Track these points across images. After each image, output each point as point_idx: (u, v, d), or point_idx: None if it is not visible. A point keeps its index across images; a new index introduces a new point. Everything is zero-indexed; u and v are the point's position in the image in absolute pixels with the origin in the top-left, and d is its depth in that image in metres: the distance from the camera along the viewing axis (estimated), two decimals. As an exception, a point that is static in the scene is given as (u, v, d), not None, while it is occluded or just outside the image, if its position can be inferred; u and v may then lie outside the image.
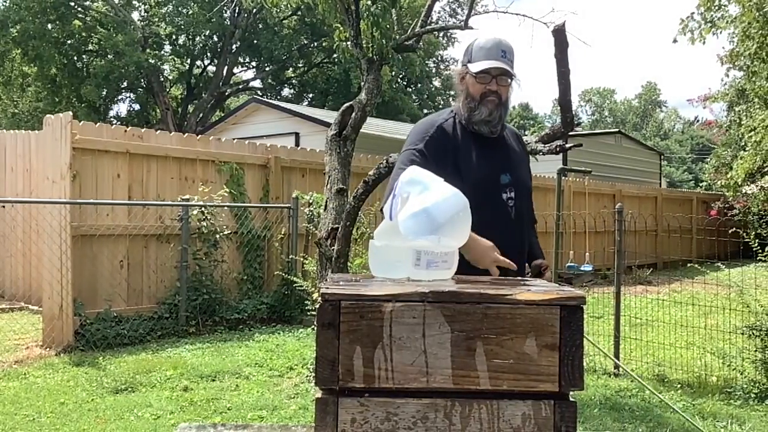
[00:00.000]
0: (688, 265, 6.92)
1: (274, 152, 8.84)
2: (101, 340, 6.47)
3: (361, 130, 5.87)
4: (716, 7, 11.98)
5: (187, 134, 8.58)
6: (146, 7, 26.41)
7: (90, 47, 24.79)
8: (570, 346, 1.45)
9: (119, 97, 29.10)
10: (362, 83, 5.90)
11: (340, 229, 5.11)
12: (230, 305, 7.70)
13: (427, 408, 1.44)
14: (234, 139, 9.47)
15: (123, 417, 4.51)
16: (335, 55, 21.59)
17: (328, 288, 1.51)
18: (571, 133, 4.82)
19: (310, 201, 8.29)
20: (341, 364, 1.43)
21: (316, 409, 1.44)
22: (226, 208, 7.93)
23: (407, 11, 18.99)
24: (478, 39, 2.52)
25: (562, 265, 7.82)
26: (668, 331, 6.86)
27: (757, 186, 14.86)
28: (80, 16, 24.15)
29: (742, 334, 5.37)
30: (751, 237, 5.71)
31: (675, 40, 12.61)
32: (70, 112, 6.94)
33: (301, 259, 7.21)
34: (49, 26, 22.97)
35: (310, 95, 31.38)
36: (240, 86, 30.12)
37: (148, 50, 23.79)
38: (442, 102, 34.62)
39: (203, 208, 7.52)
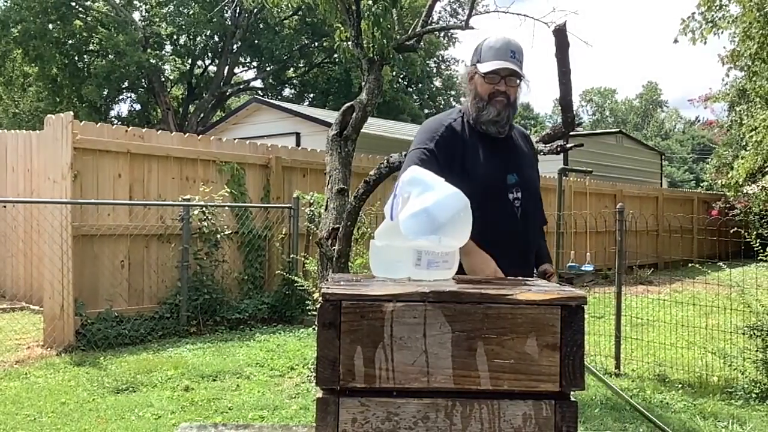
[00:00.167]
0: (689, 265, 6.91)
1: (275, 152, 8.85)
2: (102, 339, 6.47)
3: (362, 130, 5.87)
4: (717, 7, 11.97)
5: (188, 134, 8.59)
6: (147, 7, 26.43)
7: (91, 47, 24.80)
8: (571, 346, 1.45)
9: (120, 97, 29.13)
10: (363, 83, 5.90)
11: (341, 229, 5.11)
12: (231, 305, 7.70)
13: (427, 408, 1.44)
14: (235, 139, 9.48)
15: (124, 417, 4.52)
16: (336, 55, 21.61)
17: (329, 288, 1.51)
18: (572, 133, 4.82)
19: (311, 201, 8.30)
20: (342, 364, 1.43)
21: (317, 409, 1.44)
22: (227, 208, 7.93)
23: (408, 11, 18.98)
24: (488, 39, 2.51)
25: (563, 265, 7.83)
26: (669, 331, 6.86)
27: (758, 186, 14.86)
28: (81, 16, 24.17)
29: (743, 334, 5.37)
30: (752, 237, 5.70)
31: (676, 40, 12.60)
32: (71, 112, 6.94)
33: (302, 259, 7.22)
34: (50, 26, 22.98)
35: (311, 95, 31.38)
36: (241, 86, 30.13)
37: (149, 50, 23.80)
38: (442, 102, 34.62)
39: (204, 208, 7.52)
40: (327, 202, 5.49)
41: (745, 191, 15.32)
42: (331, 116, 11.46)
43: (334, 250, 5.15)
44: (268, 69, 29.49)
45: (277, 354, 6.37)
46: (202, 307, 7.36)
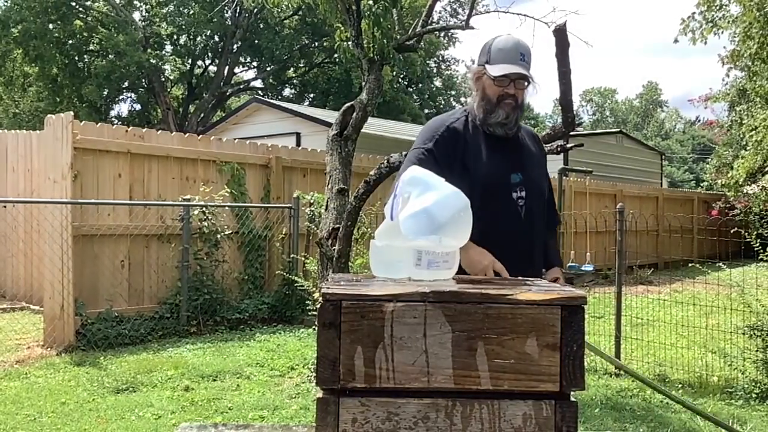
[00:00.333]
0: (689, 265, 6.91)
1: (275, 152, 8.85)
2: (102, 339, 6.47)
3: (362, 130, 5.88)
4: (717, 7, 11.98)
5: (188, 134, 8.59)
6: (147, 7, 26.43)
7: (91, 47, 24.80)
8: (571, 346, 1.45)
9: (120, 97, 29.13)
10: (363, 83, 5.90)
11: (341, 229, 5.11)
12: (231, 305, 7.70)
13: (428, 408, 1.44)
14: (235, 139, 9.48)
15: (124, 417, 4.52)
16: (336, 55, 21.60)
17: (329, 288, 1.51)
18: (572, 133, 4.83)
19: (311, 201, 8.30)
20: (342, 364, 1.43)
21: (317, 409, 1.44)
22: (227, 208, 7.93)
23: (408, 11, 18.97)
24: (497, 39, 2.50)
25: (563, 265, 7.82)
26: (669, 331, 6.86)
27: (758, 185, 14.86)
28: (81, 16, 24.17)
29: (743, 334, 5.37)
30: (753, 237, 5.70)
31: (676, 40, 12.62)
32: (72, 112, 6.95)
33: (302, 258, 7.22)
34: (51, 26, 22.98)
35: (311, 95, 31.38)
36: (241, 86, 30.14)
37: (149, 50, 23.81)
38: (443, 102, 34.61)
39: (204, 208, 7.52)
40: (327, 202, 5.49)
41: (745, 191, 15.32)
42: (332, 116, 11.46)
43: (334, 250, 5.15)
44: (268, 69, 29.49)
45: (277, 354, 6.37)
46: (202, 307, 7.36)
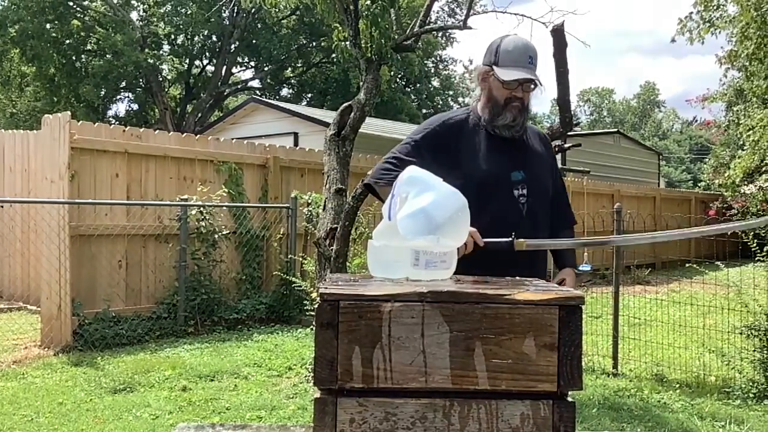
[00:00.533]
0: (687, 265, 6.92)
1: (273, 152, 8.85)
2: (100, 340, 6.47)
3: (360, 130, 5.87)
4: (714, 7, 12.00)
5: (185, 134, 8.58)
6: (145, 6, 26.39)
7: (88, 47, 24.76)
8: (569, 346, 1.45)
9: (118, 97, 29.09)
10: (361, 83, 5.90)
11: (338, 229, 5.11)
12: (229, 305, 7.70)
13: (425, 408, 1.44)
14: (233, 139, 9.47)
15: (121, 417, 4.51)
16: (334, 55, 21.58)
17: (326, 288, 1.51)
18: (569, 133, 4.84)
19: (309, 201, 8.29)
20: (340, 364, 1.43)
21: (315, 409, 1.43)
22: (224, 208, 7.93)
23: (406, 11, 18.97)
24: (506, 40, 2.49)
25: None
26: (667, 331, 6.87)
27: (755, 185, 14.89)
28: (79, 15, 24.14)
29: (741, 333, 5.37)
30: (750, 237, 5.71)
31: (673, 40, 12.65)
32: (69, 112, 6.94)
33: (300, 259, 7.22)
34: (48, 26, 22.95)
35: (309, 95, 31.37)
36: (239, 86, 30.11)
37: (146, 50, 23.78)
38: (440, 102, 34.61)
39: (202, 208, 7.51)
40: (325, 202, 5.49)
41: (742, 191, 15.35)
42: (329, 116, 11.45)
43: (332, 250, 5.15)
44: (265, 69, 29.48)
45: (274, 354, 6.36)
46: (199, 307, 7.35)
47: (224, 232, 7.75)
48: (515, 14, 5.96)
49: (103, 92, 25.61)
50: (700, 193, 21.33)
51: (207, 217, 7.55)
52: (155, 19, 25.80)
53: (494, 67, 2.47)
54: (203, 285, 7.46)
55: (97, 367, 5.75)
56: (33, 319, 7.38)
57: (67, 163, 6.47)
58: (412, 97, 32.29)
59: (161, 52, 26.50)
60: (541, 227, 2.54)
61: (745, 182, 14.96)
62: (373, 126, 14.52)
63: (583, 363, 1.49)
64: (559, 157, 15.16)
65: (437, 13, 29.22)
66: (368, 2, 5.54)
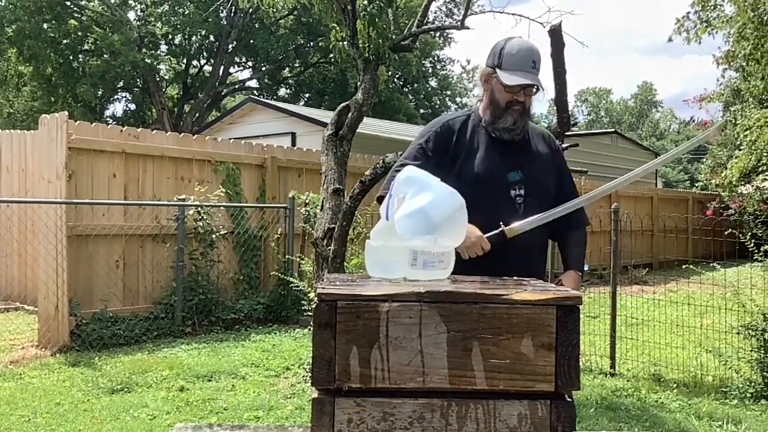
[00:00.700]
0: (684, 266, 6.92)
1: (271, 152, 8.84)
2: (97, 340, 6.46)
3: (358, 130, 5.88)
4: (711, 7, 12.01)
5: (183, 134, 8.57)
6: (142, 6, 26.35)
7: (86, 47, 24.71)
8: (566, 346, 1.46)
9: (115, 97, 29.04)
10: (359, 83, 5.90)
11: (336, 229, 5.11)
12: (226, 305, 7.69)
13: (423, 408, 1.44)
14: (230, 139, 9.46)
15: (119, 417, 4.51)
16: (332, 55, 21.57)
17: (324, 288, 1.51)
18: (567, 133, 4.83)
19: (307, 201, 8.29)
20: (338, 364, 1.43)
21: (313, 410, 1.43)
22: (222, 208, 7.92)
23: (404, 11, 19.00)
24: (510, 43, 2.50)
25: (558, 265, 7.83)
26: (664, 331, 6.88)
27: (752, 185, 14.91)
28: (76, 15, 24.10)
29: (738, 333, 5.38)
30: (747, 237, 5.71)
31: (670, 39, 12.64)
32: (66, 112, 6.93)
33: (298, 259, 7.21)
34: (45, 26, 22.90)
35: (307, 95, 31.35)
36: (236, 86, 30.08)
37: (144, 50, 23.74)
38: (438, 102, 34.62)
39: (199, 208, 7.51)
40: (322, 202, 5.49)
41: (739, 191, 15.37)
42: (327, 116, 11.44)
43: (329, 250, 5.15)
44: (263, 69, 29.45)
45: (272, 354, 6.36)
46: (197, 308, 7.35)
47: (222, 232, 7.74)
48: (513, 14, 5.98)
49: (100, 92, 25.56)
50: (697, 194, 21.35)
51: (204, 217, 7.55)
52: (153, 19, 25.75)
53: (497, 70, 2.48)
54: (201, 285, 7.46)
55: (94, 368, 5.74)
56: (30, 320, 7.37)
57: (64, 163, 6.46)
58: (410, 97, 32.29)
59: (159, 52, 26.45)
60: (541, 228, 2.54)
61: (742, 182, 14.98)
62: (370, 126, 14.52)
63: (580, 363, 1.49)
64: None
65: (435, 13, 29.20)
66: (366, 2, 5.55)
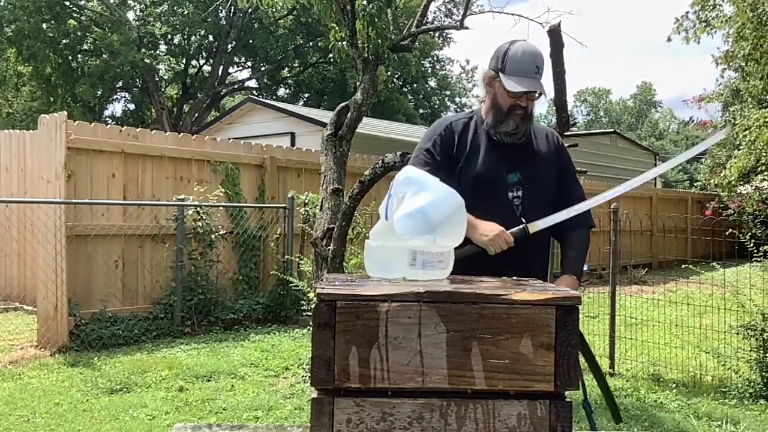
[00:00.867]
0: (683, 266, 6.93)
1: (270, 152, 8.84)
2: (96, 340, 6.46)
3: (357, 130, 5.88)
4: (711, 7, 12.01)
5: (182, 134, 8.57)
6: (141, 6, 26.34)
7: (85, 47, 24.71)
8: (565, 346, 1.46)
9: (114, 97, 29.03)
10: (358, 83, 5.90)
11: (335, 229, 5.11)
12: (226, 305, 7.69)
13: (422, 408, 1.44)
14: (229, 139, 9.46)
15: (118, 417, 4.50)
16: (331, 55, 21.58)
17: (323, 288, 1.51)
18: (566, 133, 4.83)
19: (306, 201, 8.28)
20: (337, 364, 1.43)
21: (312, 410, 1.43)
22: (221, 208, 7.92)
23: (403, 11, 18.99)
24: (513, 47, 2.50)
25: (557, 265, 7.84)
26: (663, 331, 6.88)
27: (751, 185, 14.92)
28: (75, 15, 24.08)
29: (737, 333, 5.39)
30: (746, 237, 5.72)
31: (669, 39, 12.64)
32: (65, 112, 6.93)
33: (297, 259, 7.21)
34: (44, 26, 22.88)
35: (306, 95, 31.34)
36: (235, 86, 30.07)
37: (143, 50, 23.73)
38: (437, 102, 34.63)
39: (198, 208, 7.51)
40: (322, 202, 5.49)
41: (738, 191, 15.38)
42: (326, 116, 11.45)
43: (329, 250, 5.14)
44: (262, 69, 29.44)
45: (271, 354, 6.36)
46: (196, 308, 7.35)
47: (221, 232, 7.74)
48: (512, 14, 5.98)
49: (99, 92, 25.54)
50: (696, 194, 21.36)
51: (204, 217, 7.55)
52: (152, 19, 25.74)
53: (501, 75, 2.49)
54: (200, 285, 7.46)
55: (93, 368, 5.74)
56: (29, 320, 7.36)
57: (63, 163, 6.46)
58: (409, 97, 32.29)
59: (158, 52, 26.44)
60: (536, 239, 2.54)
61: (741, 182, 14.99)
62: (370, 126, 14.53)
63: (579, 363, 1.49)
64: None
65: (434, 13, 29.20)
66: (365, 2, 5.55)
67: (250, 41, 27.47)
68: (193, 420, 4.47)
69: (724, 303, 6.03)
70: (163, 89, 28.18)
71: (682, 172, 53.45)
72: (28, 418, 4.46)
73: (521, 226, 2.45)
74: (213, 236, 7.63)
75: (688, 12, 12.25)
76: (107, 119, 28.03)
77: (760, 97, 13.30)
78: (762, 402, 4.95)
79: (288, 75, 31.26)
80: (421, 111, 31.47)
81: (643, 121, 67.67)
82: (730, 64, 13.42)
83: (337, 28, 5.93)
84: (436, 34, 30.46)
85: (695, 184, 35.59)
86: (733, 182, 14.48)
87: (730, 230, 6.45)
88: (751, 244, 5.65)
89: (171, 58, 27.78)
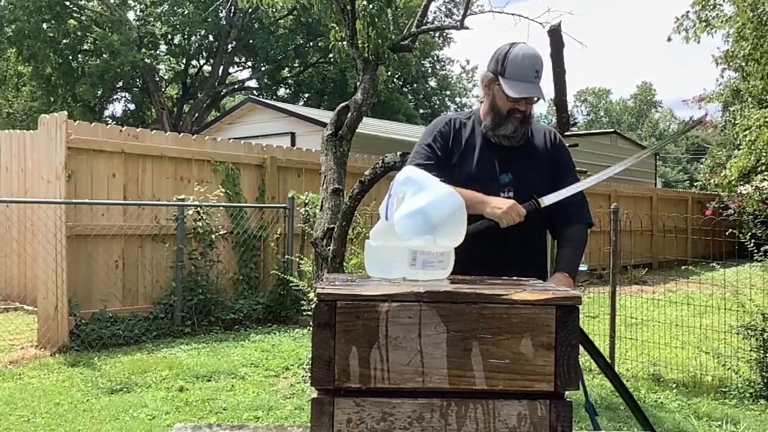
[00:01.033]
0: (683, 268, 6.93)
1: (270, 152, 8.84)
2: (96, 340, 6.46)
3: (357, 130, 5.88)
4: (711, 6, 12.00)
5: (182, 134, 8.57)
6: (142, 6, 26.35)
7: (85, 47, 24.71)
8: (566, 346, 1.46)
9: (114, 97, 29.03)
10: (358, 83, 5.90)
11: (335, 229, 5.11)
12: (226, 305, 7.69)
13: (422, 408, 1.44)
14: (230, 139, 9.46)
15: (118, 417, 4.51)
16: (331, 55, 21.58)
17: (323, 288, 1.51)
18: (566, 134, 4.84)
19: (306, 201, 8.29)
20: (337, 364, 1.43)
21: (312, 410, 1.43)
22: (221, 208, 7.92)
23: (403, 11, 18.99)
24: (513, 50, 2.49)
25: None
26: (663, 331, 6.88)
27: (751, 185, 14.92)
28: (75, 15, 24.09)
29: (737, 333, 5.39)
30: (746, 237, 5.72)
31: (669, 39, 12.62)
32: (65, 112, 6.93)
33: (297, 259, 7.21)
34: (45, 26, 22.89)
35: (306, 95, 31.34)
36: (236, 86, 30.08)
37: (143, 50, 23.73)
38: (437, 102, 34.62)
39: (199, 208, 7.51)
40: (322, 202, 5.49)
41: (739, 191, 15.38)
42: (326, 116, 11.45)
43: (329, 250, 5.14)
44: (263, 69, 29.44)
45: (272, 354, 6.36)
46: (196, 308, 7.35)
47: (221, 232, 7.74)
48: (512, 14, 5.98)
49: (99, 92, 25.55)
50: (696, 193, 21.35)
51: (204, 217, 7.55)
52: (152, 19, 25.74)
53: (500, 78, 2.49)
54: (200, 285, 7.46)
55: (93, 368, 5.74)
56: (30, 320, 7.36)
57: (63, 163, 6.46)
58: (409, 97, 32.29)
59: (158, 51, 26.45)
60: (531, 228, 2.55)
61: (741, 182, 14.99)
62: (370, 126, 14.53)
63: (579, 363, 1.49)
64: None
65: (434, 13, 29.19)
66: (365, 2, 5.55)
67: (251, 41, 27.47)
68: (193, 420, 4.47)
69: (725, 303, 6.03)
70: (163, 89, 28.19)
71: (683, 172, 53.46)
72: (29, 418, 4.46)
73: (532, 201, 2.49)
74: (213, 236, 7.63)
75: (688, 12, 12.24)
76: (107, 119, 28.03)
77: (760, 97, 13.30)
78: (762, 402, 4.95)
79: (288, 75, 31.26)
80: (421, 111, 31.47)
81: (643, 121, 67.68)
82: (730, 64, 13.41)
83: (337, 28, 5.93)
84: (437, 34, 30.46)
85: (695, 184, 35.60)
86: (733, 182, 14.49)
87: (731, 230, 6.45)
88: (752, 244, 5.65)
89: (171, 58, 27.79)
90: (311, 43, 28.25)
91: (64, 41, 23.94)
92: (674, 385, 5.45)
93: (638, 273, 13.17)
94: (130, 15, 25.88)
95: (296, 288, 6.69)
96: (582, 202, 2.69)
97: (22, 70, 25.07)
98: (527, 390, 1.45)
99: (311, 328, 1.46)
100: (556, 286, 2.36)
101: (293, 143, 13.76)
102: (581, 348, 2.19)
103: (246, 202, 8.38)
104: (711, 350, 5.57)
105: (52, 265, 6.32)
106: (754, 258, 5.84)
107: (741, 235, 5.83)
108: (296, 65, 30.33)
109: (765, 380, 5.04)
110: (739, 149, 14.58)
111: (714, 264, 6.43)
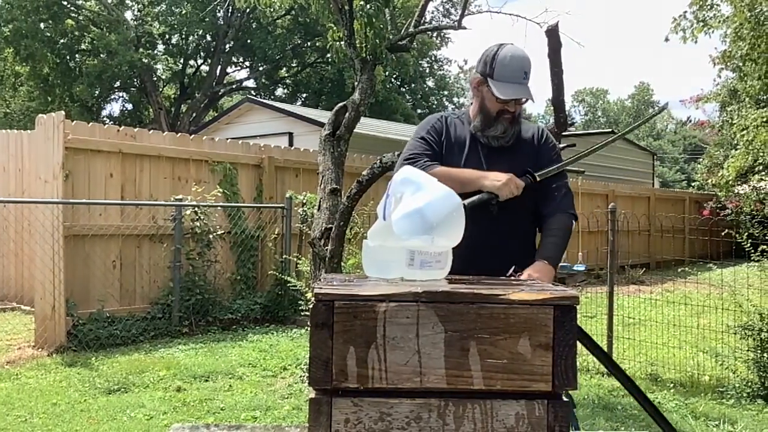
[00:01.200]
0: (680, 269, 6.94)
1: (268, 152, 8.84)
2: (94, 340, 6.45)
3: (355, 130, 5.88)
4: (708, 6, 12.02)
5: (180, 134, 8.57)
6: (139, 6, 26.32)
7: (83, 46, 24.68)
8: (563, 345, 1.46)
9: (112, 97, 29.00)
10: (356, 83, 5.90)
11: (333, 229, 5.11)
12: (223, 305, 7.68)
13: (420, 408, 1.44)
14: (227, 138, 9.45)
15: (116, 417, 4.50)
16: (329, 55, 21.57)
17: (321, 288, 1.51)
18: (564, 134, 4.83)
19: (304, 201, 8.28)
20: (335, 364, 1.42)
21: (310, 410, 1.43)
22: (219, 208, 7.91)
23: (401, 11, 18.94)
24: (501, 52, 2.50)
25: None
26: (661, 331, 6.88)
27: (749, 185, 14.95)
28: (73, 15, 24.05)
29: (735, 333, 5.39)
30: (744, 237, 5.73)
31: (667, 39, 12.63)
32: (63, 112, 6.92)
33: (295, 259, 7.21)
34: (42, 25, 22.85)
35: (304, 95, 31.33)
36: (233, 86, 30.06)
37: (141, 50, 23.71)
38: (435, 102, 34.62)
39: (196, 208, 7.50)
40: (320, 202, 5.49)
41: (736, 191, 15.40)
42: (324, 116, 11.44)
43: (326, 250, 5.14)
44: (260, 69, 29.43)
45: (269, 354, 6.36)
46: (194, 308, 7.34)
47: (219, 232, 7.74)
48: (510, 14, 5.99)
49: (97, 92, 25.53)
50: (694, 193, 21.39)
51: (202, 217, 7.54)
52: (150, 19, 25.72)
53: (489, 80, 2.51)
54: (198, 285, 7.45)
55: (91, 368, 5.74)
56: (27, 320, 7.35)
57: (61, 163, 6.45)
58: (407, 97, 32.30)
59: (156, 51, 26.40)
60: (517, 228, 2.58)
61: (739, 182, 15.01)
62: (368, 126, 14.52)
63: (577, 363, 1.49)
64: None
65: (432, 13, 29.18)
66: (363, 2, 5.55)
67: (248, 41, 27.46)
68: (190, 420, 4.47)
69: (722, 303, 6.04)
70: (160, 89, 28.16)
71: (680, 172, 53.52)
72: (26, 419, 4.46)
73: (527, 175, 2.54)
74: (211, 236, 7.63)
75: (685, 12, 12.25)
76: (105, 119, 28.00)
77: (757, 97, 13.32)
78: (759, 402, 4.96)
79: (286, 75, 31.25)
80: (419, 111, 31.46)
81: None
82: (728, 64, 13.43)
83: (334, 28, 5.93)
84: (434, 34, 30.45)
85: (693, 184, 35.65)
86: (730, 182, 14.51)
87: (728, 230, 6.47)
88: (749, 244, 5.65)
89: (169, 58, 27.75)
90: (309, 43, 28.25)
91: (62, 41, 23.90)
92: (672, 385, 5.46)
93: (636, 273, 13.18)
94: (128, 15, 25.86)
95: (294, 288, 6.69)
96: (566, 194, 2.65)
97: (20, 69, 25.03)
98: (525, 390, 1.45)
99: (309, 328, 1.46)
100: (536, 276, 2.35)
101: (291, 143, 13.75)
102: (581, 348, 2.19)
103: (244, 202, 8.37)
104: (708, 350, 5.58)
105: (50, 265, 6.31)
106: (752, 258, 5.85)
107: (738, 235, 5.84)
108: (294, 65, 30.32)
109: (762, 380, 5.05)
110: (736, 149, 14.59)
111: (711, 264, 6.44)
